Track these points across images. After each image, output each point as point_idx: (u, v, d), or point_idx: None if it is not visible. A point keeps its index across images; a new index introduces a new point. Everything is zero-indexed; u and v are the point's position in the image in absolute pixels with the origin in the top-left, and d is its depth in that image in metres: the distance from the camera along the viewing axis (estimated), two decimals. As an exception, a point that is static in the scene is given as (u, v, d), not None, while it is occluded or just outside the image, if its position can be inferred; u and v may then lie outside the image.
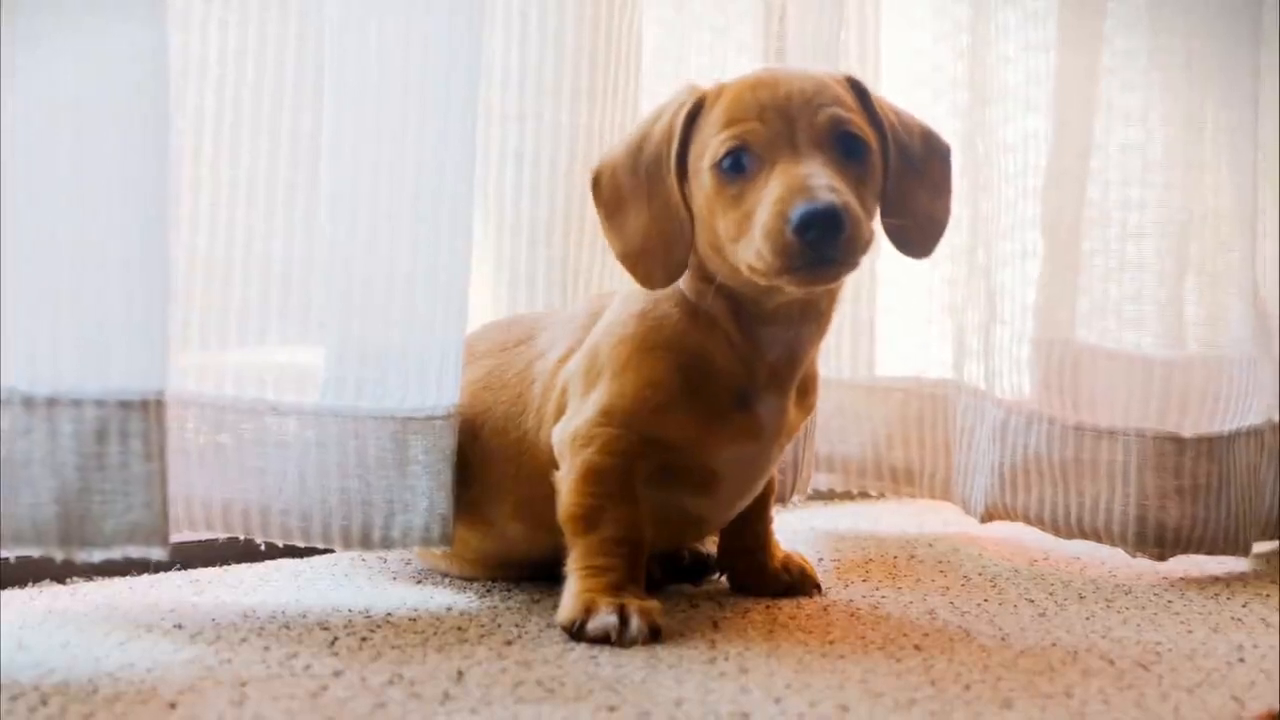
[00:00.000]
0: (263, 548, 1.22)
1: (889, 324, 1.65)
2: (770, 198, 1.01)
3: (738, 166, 1.04)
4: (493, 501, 1.18)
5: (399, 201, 1.13)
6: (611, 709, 0.88)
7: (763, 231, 1.00)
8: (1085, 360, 1.45)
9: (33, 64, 0.95)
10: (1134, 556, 1.41)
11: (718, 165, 1.05)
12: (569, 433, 1.11)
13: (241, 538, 1.16)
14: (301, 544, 1.16)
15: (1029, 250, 1.47)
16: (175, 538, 1.25)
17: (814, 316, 1.12)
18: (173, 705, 0.86)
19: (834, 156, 1.04)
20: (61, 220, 0.97)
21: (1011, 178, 1.47)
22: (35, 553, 0.97)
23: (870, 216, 1.06)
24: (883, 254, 1.61)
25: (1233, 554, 1.42)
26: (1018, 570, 1.37)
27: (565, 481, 1.10)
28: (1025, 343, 1.46)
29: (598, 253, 1.42)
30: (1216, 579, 1.36)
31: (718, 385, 1.10)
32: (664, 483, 1.12)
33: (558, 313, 1.26)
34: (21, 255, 0.96)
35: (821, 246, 0.99)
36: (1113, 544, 1.40)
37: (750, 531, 1.24)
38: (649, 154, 1.10)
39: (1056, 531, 1.43)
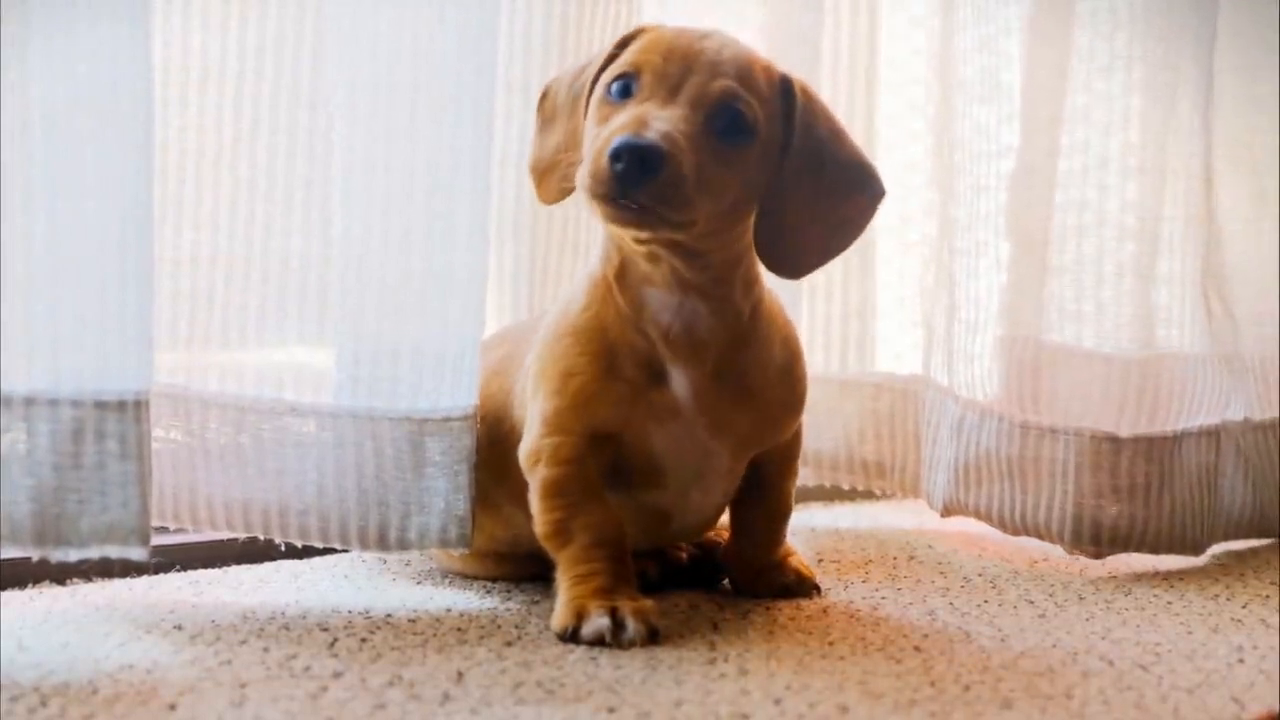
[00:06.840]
0: (266, 545, 1.22)
1: (874, 321, 1.64)
2: (612, 124, 1.02)
3: (624, 92, 1.05)
4: (495, 484, 1.18)
5: (413, 199, 1.13)
6: (611, 710, 0.88)
7: (590, 152, 1.02)
8: (1041, 359, 1.45)
9: (7, 60, 0.95)
10: (1071, 554, 1.41)
11: (608, 85, 1.06)
12: (523, 452, 1.12)
13: (244, 537, 1.16)
14: (320, 544, 1.16)
15: (992, 248, 1.46)
16: (182, 538, 1.26)
17: (696, 289, 1.09)
18: (173, 706, 0.86)
19: (705, 124, 1.03)
20: (40, 221, 0.96)
21: (981, 186, 1.46)
22: (12, 551, 0.98)
23: (719, 198, 1.04)
24: (878, 255, 1.63)
25: (1180, 554, 1.41)
26: (1018, 571, 1.37)
27: (532, 501, 1.11)
28: (982, 340, 1.46)
29: (566, 252, 1.42)
30: (1216, 580, 1.36)
31: (624, 358, 1.10)
32: (616, 480, 1.12)
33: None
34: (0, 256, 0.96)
35: (627, 181, 0.98)
36: (1052, 541, 1.41)
37: (756, 538, 1.22)
38: (584, 76, 1.11)
39: (1004, 528, 1.43)
